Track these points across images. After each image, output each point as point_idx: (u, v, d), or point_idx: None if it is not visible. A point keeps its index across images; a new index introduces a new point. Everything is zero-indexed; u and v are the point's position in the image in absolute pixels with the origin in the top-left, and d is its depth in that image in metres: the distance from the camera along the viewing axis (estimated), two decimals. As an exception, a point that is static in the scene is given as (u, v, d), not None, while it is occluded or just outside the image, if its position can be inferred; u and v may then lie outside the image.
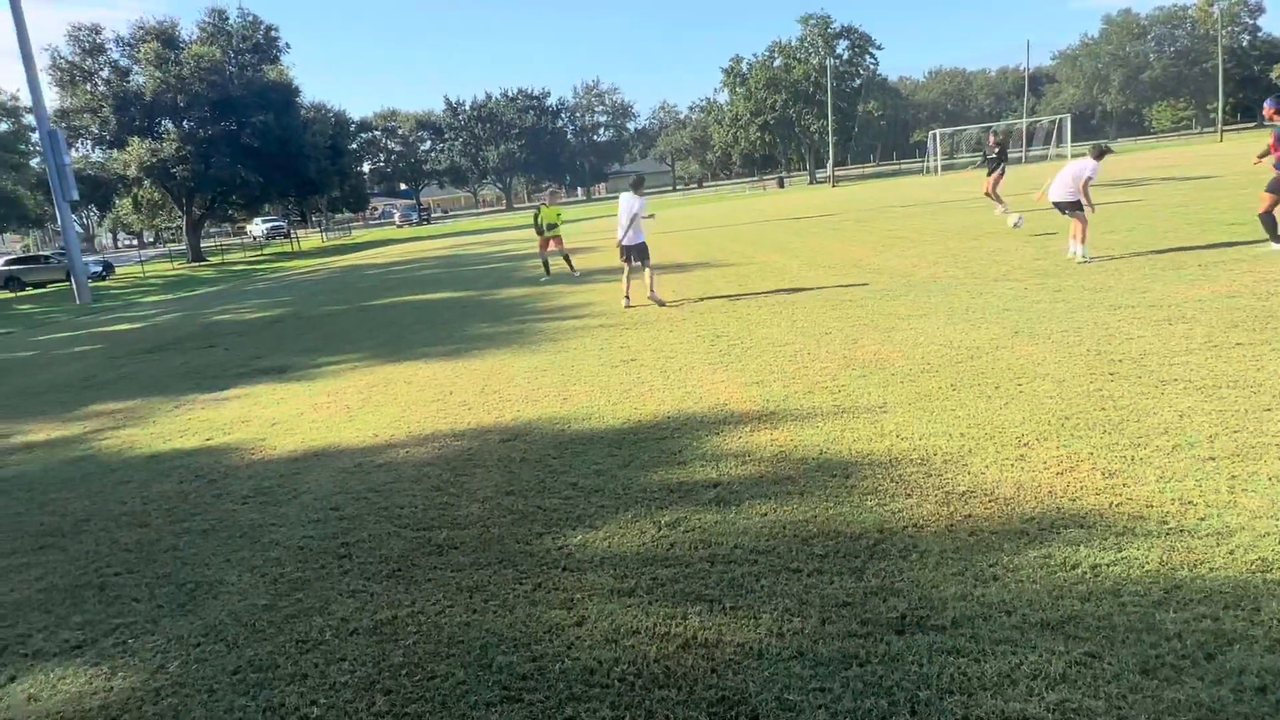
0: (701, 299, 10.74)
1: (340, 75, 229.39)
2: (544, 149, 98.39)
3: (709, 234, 23.31)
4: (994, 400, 5.13)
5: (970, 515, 3.59)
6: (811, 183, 70.45)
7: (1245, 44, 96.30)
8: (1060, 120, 55.27)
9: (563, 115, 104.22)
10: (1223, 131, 64.38)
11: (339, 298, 17.65)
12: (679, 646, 2.86)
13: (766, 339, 7.76)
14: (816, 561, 3.34)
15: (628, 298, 10.74)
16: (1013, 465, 4.09)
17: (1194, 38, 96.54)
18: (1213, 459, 3.89)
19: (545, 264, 15.83)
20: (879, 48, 75.60)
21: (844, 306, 9.00)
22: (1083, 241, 10.30)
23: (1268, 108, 9.52)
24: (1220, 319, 6.55)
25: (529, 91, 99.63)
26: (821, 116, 68.78)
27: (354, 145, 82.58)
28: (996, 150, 18.35)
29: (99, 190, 45.08)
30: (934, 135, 55.76)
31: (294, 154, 45.94)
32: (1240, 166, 26.63)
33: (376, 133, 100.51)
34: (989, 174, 18.26)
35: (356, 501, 4.63)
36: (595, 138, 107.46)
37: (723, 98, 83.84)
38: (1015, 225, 14.16)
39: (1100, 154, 10.43)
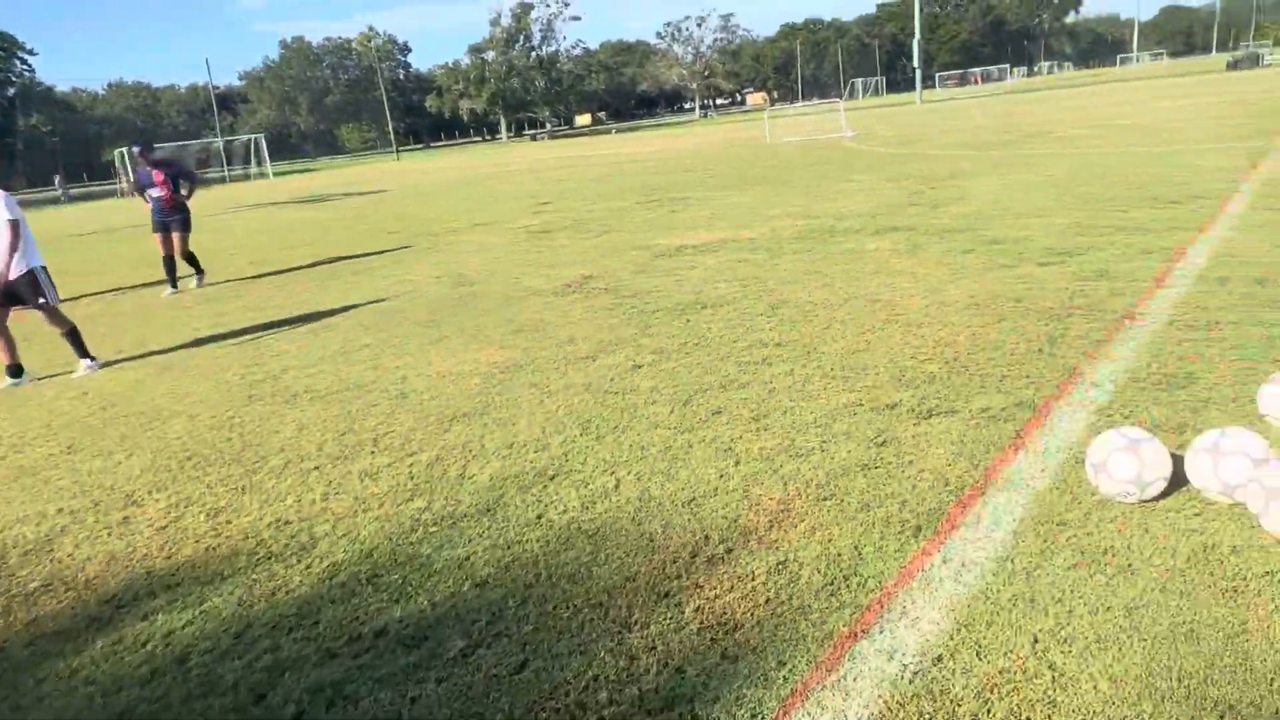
0: None
1: None
2: None
3: None
4: (113, 457, 4.49)
5: (46, 614, 2.93)
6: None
7: (402, 77, 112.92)
8: (256, 139, 56.17)
9: None
10: (399, 151, 74.60)
11: None
12: None
13: None
14: None
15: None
16: (112, 534, 3.54)
17: (362, 69, 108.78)
18: (318, 468, 4.00)
19: None
20: (32, 52, 64.97)
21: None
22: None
23: (140, 156, 10.22)
24: (357, 323, 7.13)
25: None
26: (-34, 130, 55.96)
27: None
28: None
29: None
30: (124, 153, 50.59)
31: None
32: (404, 181, 30.94)
33: None
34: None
35: None
36: None
37: None
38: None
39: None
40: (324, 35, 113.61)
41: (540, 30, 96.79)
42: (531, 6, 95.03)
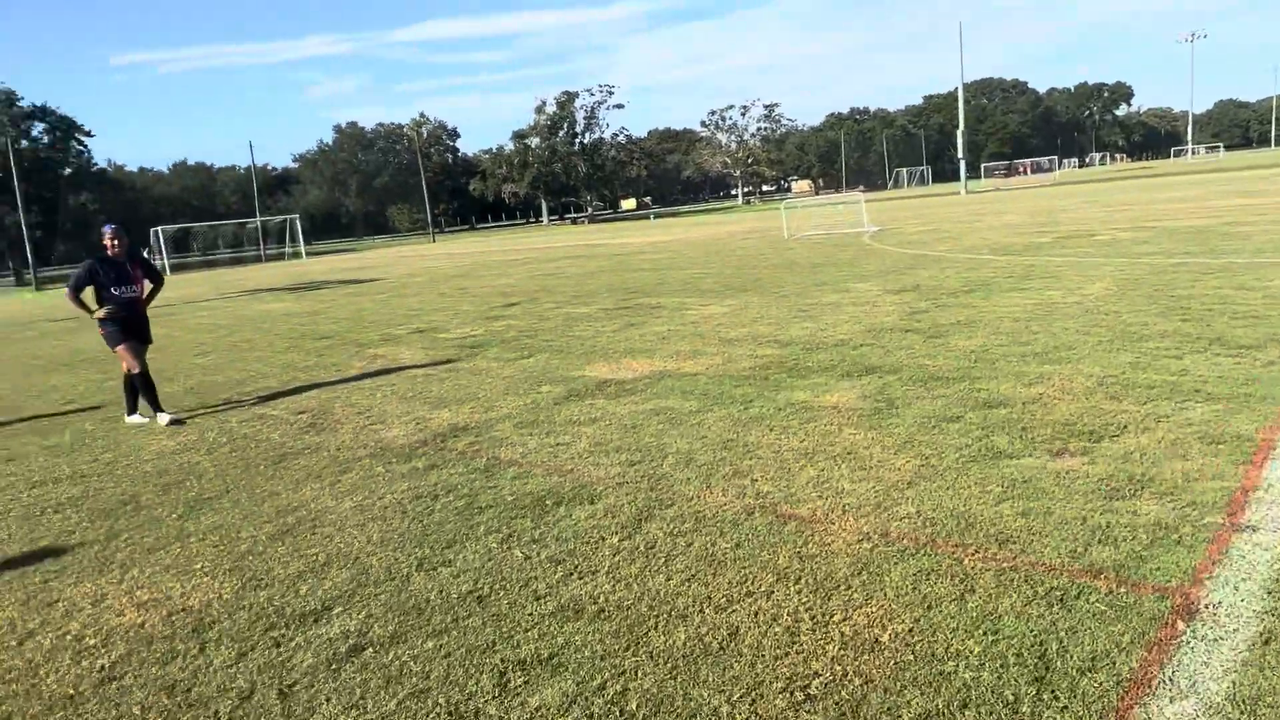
0: None
1: None
2: None
3: None
4: None
5: None
6: (19, 284, 58.17)
7: (450, 161, 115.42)
8: (290, 220, 56.67)
9: None
10: (435, 234, 75.00)
11: None
12: None
13: None
14: None
15: None
16: None
17: (412, 153, 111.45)
18: None
19: None
20: (89, 134, 67.29)
21: None
22: None
23: (114, 241, 7.35)
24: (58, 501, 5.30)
25: None
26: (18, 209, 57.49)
27: None
28: None
29: None
30: (157, 232, 51.20)
31: None
32: (410, 267, 29.85)
33: None
34: None
35: None
36: None
37: None
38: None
39: None
40: (377, 121, 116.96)
41: (584, 117, 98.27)
42: (576, 95, 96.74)
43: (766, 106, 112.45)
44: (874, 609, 3.05)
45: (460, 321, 12.72)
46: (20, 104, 62.31)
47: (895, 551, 3.49)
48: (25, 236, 53.12)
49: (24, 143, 60.15)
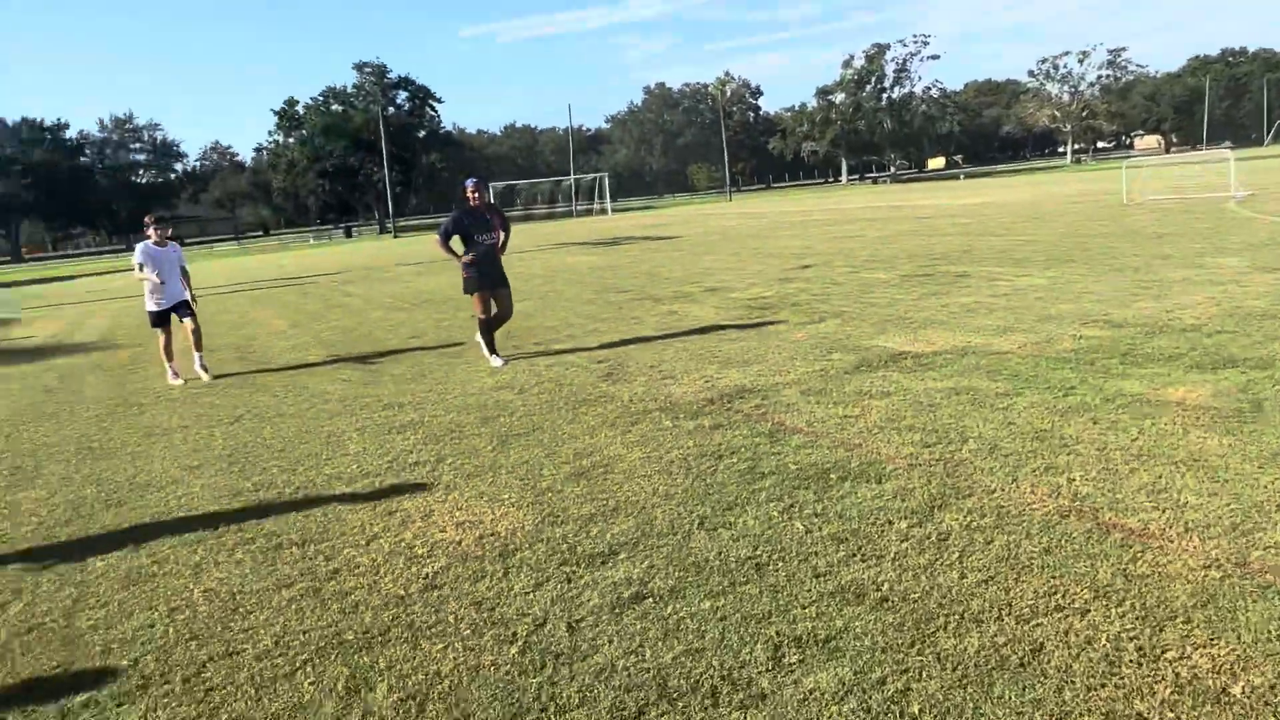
0: (221, 375, 8.22)
1: None
2: (63, 189, 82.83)
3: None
4: None
5: None
6: (381, 232, 68.49)
7: (751, 119, 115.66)
8: (600, 178, 60.48)
9: (88, 151, 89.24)
10: (731, 192, 75.87)
11: None
12: None
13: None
14: None
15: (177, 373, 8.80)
16: None
17: (714, 112, 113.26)
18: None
19: None
20: (440, 100, 76.50)
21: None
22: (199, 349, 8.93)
23: (474, 194, 8.03)
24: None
25: (37, 121, 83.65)
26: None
27: None
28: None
29: None
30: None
31: None
32: (708, 226, 30.46)
33: None
34: None
35: None
36: (134, 178, 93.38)
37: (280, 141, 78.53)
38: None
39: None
40: (683, 81, 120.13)
41: (894, 70, 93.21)
42: (887, 47, 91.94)
43: (1111, 51, 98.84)
44: (1221, 652, 2.56)
45: (752, 281, 12.76)
46: (389, 76, 72.46)
47: (1255, 586, 2.90)
48: (388, 191, 62.11)
49: (390, 110, 69.94)
